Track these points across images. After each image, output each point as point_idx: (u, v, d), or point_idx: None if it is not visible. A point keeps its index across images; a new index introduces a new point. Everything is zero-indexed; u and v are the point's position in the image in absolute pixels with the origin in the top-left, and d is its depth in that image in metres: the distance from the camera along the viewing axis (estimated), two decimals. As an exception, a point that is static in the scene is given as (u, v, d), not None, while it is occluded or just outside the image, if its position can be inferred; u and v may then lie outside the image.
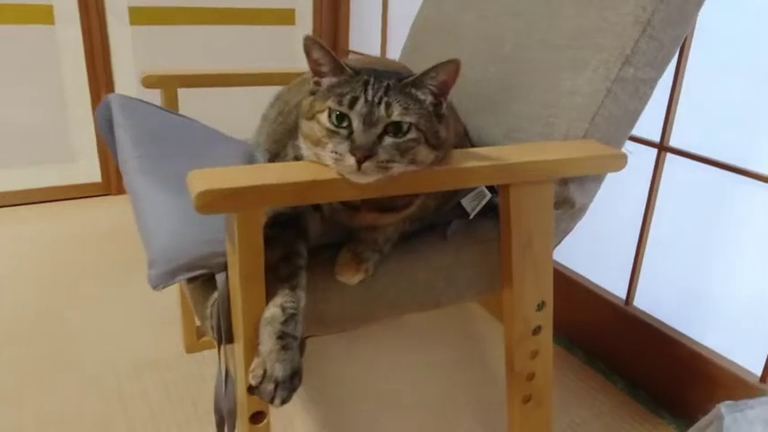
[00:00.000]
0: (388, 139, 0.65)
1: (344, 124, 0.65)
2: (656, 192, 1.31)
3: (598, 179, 0.93)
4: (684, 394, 1.26)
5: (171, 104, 1.24)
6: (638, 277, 1.38)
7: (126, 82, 2.28)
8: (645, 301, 1.38)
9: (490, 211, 0.86)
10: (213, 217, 0.61)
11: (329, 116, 0.66)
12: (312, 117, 0.68)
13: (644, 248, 1.35)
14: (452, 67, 0.67)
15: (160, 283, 0.69)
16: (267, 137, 0.97)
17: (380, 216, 0.77)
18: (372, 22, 2.34)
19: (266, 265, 0.67)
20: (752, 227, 1.16)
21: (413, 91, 0.68)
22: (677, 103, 1.24)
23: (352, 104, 0.65)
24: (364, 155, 0.62)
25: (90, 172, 2.34)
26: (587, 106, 0.86)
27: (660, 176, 1.29)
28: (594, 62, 0.87)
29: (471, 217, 0.85)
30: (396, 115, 0.65)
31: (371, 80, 0.67)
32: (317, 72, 0.70)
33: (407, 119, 0.65)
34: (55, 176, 2.29)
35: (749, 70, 1.14)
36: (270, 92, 1.16)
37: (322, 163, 0.67)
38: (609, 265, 1.46)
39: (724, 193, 1.20)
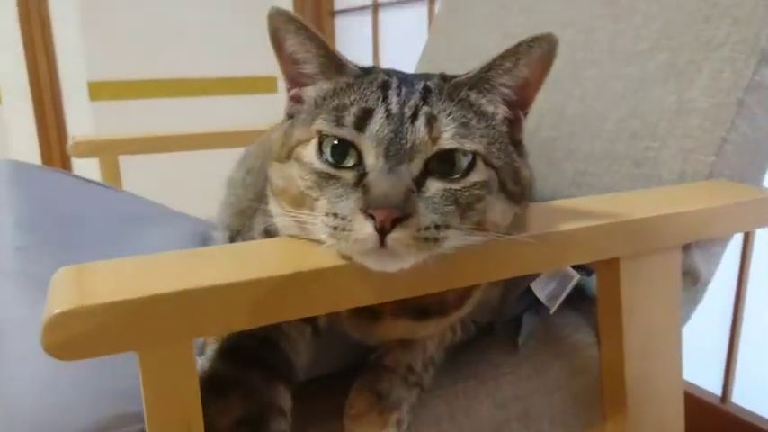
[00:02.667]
0: (435, 185, 0.34)
1: (350, 162, 0.35)
2: (749, 256, 1.01)
3: (725, 241, 0.62)
4: None
5: (111, 177, 0.95)
6: (734, 367, 1.10)
7: (88, 163, 1.99)
8: (746, 396, 1.10)
9: (578, 297, 0.55)
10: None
11: (319, 148, 0.35)
12: (289, 155, 0.37)
13: (738, 330, 1.07)
14: (541, 51, 0.36)
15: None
16: (230, 207, 0.65)
17: (416, 325, 0.44)
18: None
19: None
20: None
21: (473, 97, 0.37)
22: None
23: (361, 123, 0.34)
24: (391, 215, 0.31)
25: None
26: (709, 129, 0.57)
27: (752, 238, 1.00)
28: (711, 63, 0.58)
29: (553, 311, 0.54)
30: (447, 138, 0.35)
31: (394, 81, 0.37)
32: (294, 78, 0.39)
33: (469, 145, 0.35)
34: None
35: None
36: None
37: (310, 238, 0.36)
38: (696, 354, 1.14)
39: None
